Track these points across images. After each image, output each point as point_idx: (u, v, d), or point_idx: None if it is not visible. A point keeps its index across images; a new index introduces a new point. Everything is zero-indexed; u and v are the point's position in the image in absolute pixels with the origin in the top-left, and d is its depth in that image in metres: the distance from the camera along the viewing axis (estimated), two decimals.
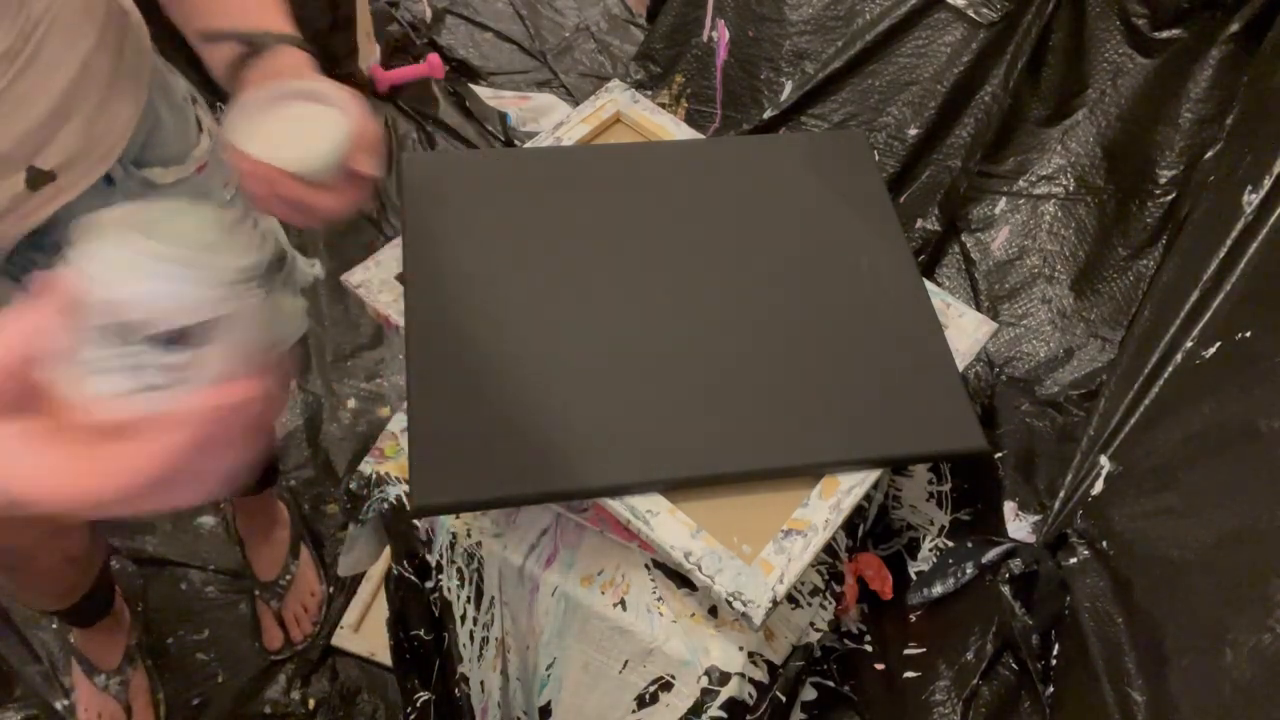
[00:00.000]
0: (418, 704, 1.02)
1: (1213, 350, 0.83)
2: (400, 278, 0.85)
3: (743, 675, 0.78)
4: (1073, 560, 0.85)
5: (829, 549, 0.92)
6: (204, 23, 0.68)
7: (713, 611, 0.80)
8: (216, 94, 0.72)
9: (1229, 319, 0.84)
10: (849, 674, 0.94)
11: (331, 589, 1.40)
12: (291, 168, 0.58)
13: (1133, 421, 0.88)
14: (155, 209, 0.38)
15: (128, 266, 0.35)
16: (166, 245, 0.35)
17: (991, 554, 0.91)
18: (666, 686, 0.80)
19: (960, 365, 0.82)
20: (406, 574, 0.93)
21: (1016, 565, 0.87)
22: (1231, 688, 0.61)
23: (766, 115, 1.36)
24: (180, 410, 0.35)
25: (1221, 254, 0.88)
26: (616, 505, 0.73)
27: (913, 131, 1.28)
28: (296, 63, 0.65)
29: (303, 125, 0.59)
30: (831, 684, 0.93)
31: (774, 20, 1.34)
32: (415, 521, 0.90)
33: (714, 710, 0.78)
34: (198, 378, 0.35)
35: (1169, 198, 1.23)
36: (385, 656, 1.30)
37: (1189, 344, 0.87)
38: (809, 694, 0.91)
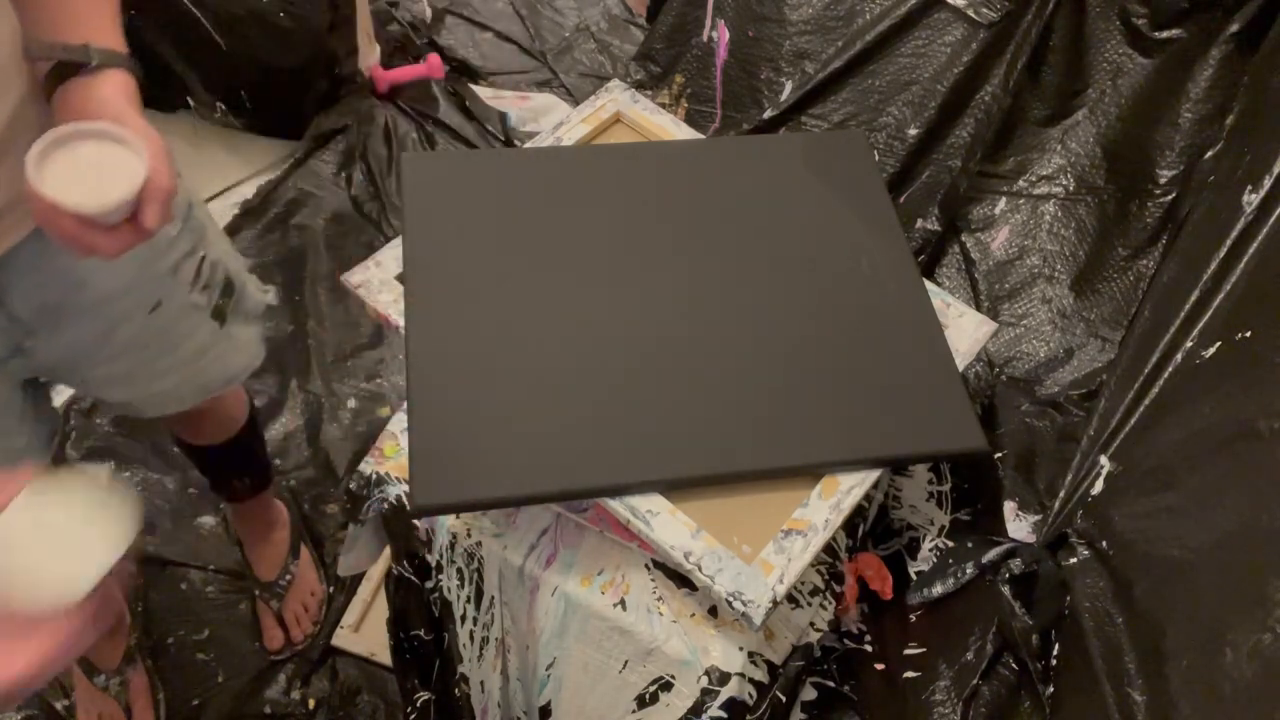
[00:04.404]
0: (418, 704, 1.02)
1: (1213, 350, 0.83)
2: (400, 278, 0.85)
3: (743, 675, 0.78)
4: (1073, 560, 0.85)
5: (829, 549, 0.92)
6: (33, 32, 0.66)
7: (713, 611, 0.80)
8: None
9: (1229, 319, 0.84)
10: (849, 674, 0.94)
11: (331, 589, 1.40)
12: (75, 209, 0.59)
13: (1133, 421, 0.88)
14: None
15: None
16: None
17: (991, 554, 0.91)
18: (666, 686, 0.80)
19: (960, 365, 0.82)
20: (406, 574, 0.93)
21: (1016, 565, 0.87)
22: (1231, 688, 0.61)
23: (766, 115, 1.36)
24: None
25: (1221, 254, 0.88)
26: (616, 505, 0.73)
27: (913, 131, 1.28)
28: (115, 89, 0.64)
29: (98, 168, 0.61)
30: (831, 684, 0.93)
31: (774, 20, 1.34)
32: (415, 521, 0.90)
33: (714, 710, 0.78)
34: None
35: (1169, 198, 1.23)
36: (385, 656, 1.30)
37: (1189, 344, 0.86)
38: (809, 694, 0.91)
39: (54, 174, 0.60)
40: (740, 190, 0.90)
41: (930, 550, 0.99)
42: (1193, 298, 0.89)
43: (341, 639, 1.35)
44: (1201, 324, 0.86)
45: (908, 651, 0.91)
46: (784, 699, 0.83)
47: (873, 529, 1.01)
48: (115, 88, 0.64)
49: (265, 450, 1.31)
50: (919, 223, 1.30)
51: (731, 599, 0.70)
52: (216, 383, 0.98)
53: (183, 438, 1.15)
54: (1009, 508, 1.04)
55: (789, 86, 1.35)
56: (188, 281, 0.88)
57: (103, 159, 0.61)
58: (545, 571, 0.82)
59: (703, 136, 0.98)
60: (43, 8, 0.65)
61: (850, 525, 0.95)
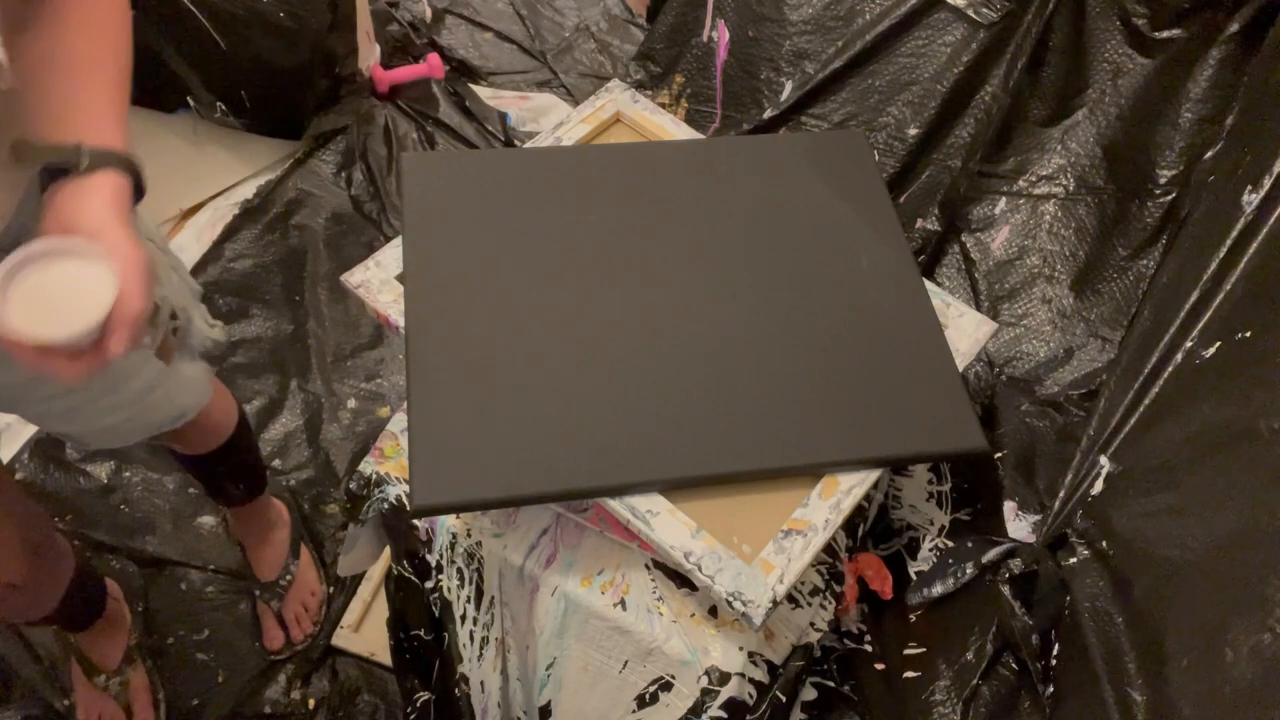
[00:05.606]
0: (418, 704, 1.02)
1: (1213, 350, 0.83)
2: (400, 278, 0.85)
3: (743, 675, 0.78)
4: (1073, 560, 0.85)
5: (829, 549, 0.92)
6: (33, 119, 0.62)
7: (713, 611, 0.80)
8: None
9: (1229, 319, 0.84)
10: (849, 674, 0.94)
11: (331, 589, 1.40)
12: (34, 341, 0.57)
13: (1133, 421, 0.88)
14: None
15: None
16: None
17: (991, 554, 0.91)
18: (666, 686, 0.80)
19: (960, 365, 0.82)
20: (406, 574, 0.93)
21: (1016, 565, 0.87)
22: (1231, 688, 0.61)
23: (766, 115, 1.36)
24: None
25: (1221, 254, 0.88)
26: (616, 505, 0.73)
27: (913, 131, 1.28)
28: (103, 198, 0.60)
29: (65, 292, 0.58)
30: (831, 684, 0.93)
31: (774, 20, 1.34)
32: (415, 521, 0.90)
33: (714, 710, 0.78)
34: None
35: (1169, 198, 1.23)
36: (385, 656, 1.30)
37: (1189, 344, 0.86)
38: (809, 694, 0.91)
39: (19, 297, 0.57)
40: (740, 190, 0.90)
41: (930, 550, 0.99)
42: (1193, 298, 0.89)
43: (341, 639, 1.35)
44: (1201, 324, 0.86)
45: (908, 651, 0.91)
46: (784, 699, 0.83)
47: (873, 529, 1.01)
48: (103, 195, 0.60)
49: (259, 456, 1.30)
50: (919, 223, 1.30)
51: (731, 599, 0.70)
52: (165, 420, 0.96)
53: (169, 447, 1.14)
54: (1009, 508, 1.04)
55: (789, 86, 1.35)
56: None
57: (72, 281, 0.58)
58: (545, 571, 0.82)
59: (703, 136, 0.98)
60: (45, 95, 0.62)
61: (850, 525, 0.95)
